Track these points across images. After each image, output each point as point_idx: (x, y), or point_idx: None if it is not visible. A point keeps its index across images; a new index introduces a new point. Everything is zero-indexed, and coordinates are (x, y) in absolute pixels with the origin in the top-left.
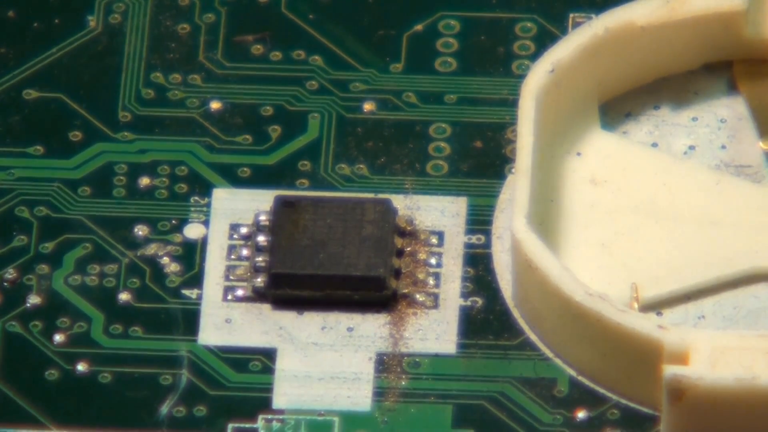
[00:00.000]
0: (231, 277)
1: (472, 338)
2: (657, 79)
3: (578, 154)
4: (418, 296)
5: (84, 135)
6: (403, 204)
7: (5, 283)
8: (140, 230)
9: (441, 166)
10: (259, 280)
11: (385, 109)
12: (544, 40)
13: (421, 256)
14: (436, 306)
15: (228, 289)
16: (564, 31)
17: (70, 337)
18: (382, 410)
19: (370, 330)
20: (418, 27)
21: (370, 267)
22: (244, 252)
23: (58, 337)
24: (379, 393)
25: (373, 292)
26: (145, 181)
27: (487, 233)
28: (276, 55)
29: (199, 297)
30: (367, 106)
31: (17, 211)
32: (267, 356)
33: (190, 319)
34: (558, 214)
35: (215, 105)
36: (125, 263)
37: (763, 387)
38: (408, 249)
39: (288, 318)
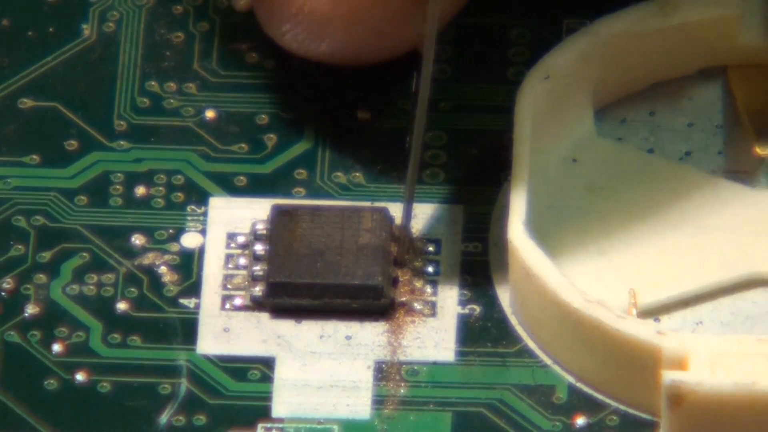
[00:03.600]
0: (229, 286)
1: (471, 346)
2: (652, 85)
3: (574, 160)
4: (416, 304)
5: (80, 144)
6: (400, 212)
7: (3, 293)
8: (137, 239)
9: (437, 174)
10: (257, 289)
11: (380, 116)
12: (539, 47)
13: (419, 264)
14: (434, 314)
15: (226, 298)
16: (559, 38)
17: (69, 347)
18: (381, 418)
19: (369, 338)
20: None
21: (368, 275)
22: (242, 261)
23: (57, 347)
24: (378, 401)
25: (371, 300)
26: (141, 190)
27: (484, 241)
28: (270, 63)
29: (197, 306)
30: (363, 114)
31: (14, 221)
32: (266, 365)
33: (188, 328)
34: (555, 221)
35: (210, 114)
36: (123, 272)
37: (763, 392)
38: (406, 257)
39: (286, 326)
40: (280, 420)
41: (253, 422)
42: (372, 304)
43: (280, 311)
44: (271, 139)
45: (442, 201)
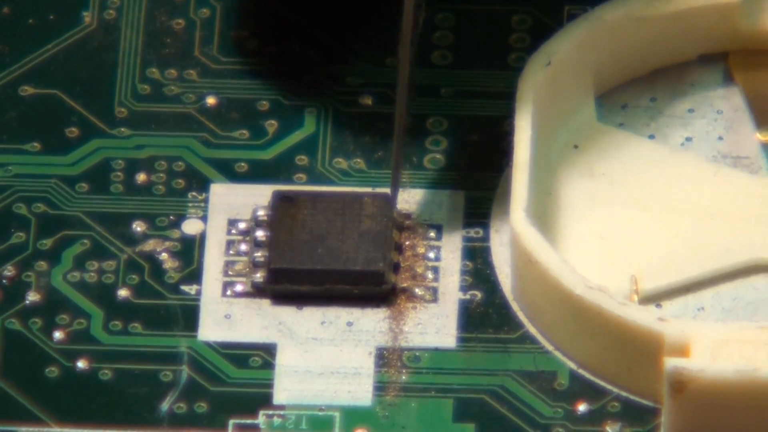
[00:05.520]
0: (230, 273)
1: (472, 332)
2: (653, 70)
3: (575, 146)
4: (417, 290)
5: (81, 131)
6: (401, 198)
7: (4, 281)
8: (138, 226)
9: (438, 160)
10: (258, 276)
11: (381, 102)
12: (540, 33)
13: (420, 249)
14: (435, 300)
15: (227, 285)
16: (560, 24)
17: (70, 334)
18: (382, 405)
19: (370, 324)
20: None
21: (369, 261)
22: (243, 247)
23: (58, 334)
24: (380, 387)
25: (372, 286)
26: (142, 176)
27: (486, 226)
28: (271, 49)
29: (198, 293)
30: (364, 100)
31: (15, 208)
32: (267, 351)
33: (189, 315)
34: (556, 208)
35: (211, 100)
36: (124, 259)
37: (764, 379)
38: (407, 243)
39: (287, 313)
40: (282, 407)
41: (255, 409)
42: (373, 290)
43: (281, 297)
44: (272, 125)
45: (444, 187)
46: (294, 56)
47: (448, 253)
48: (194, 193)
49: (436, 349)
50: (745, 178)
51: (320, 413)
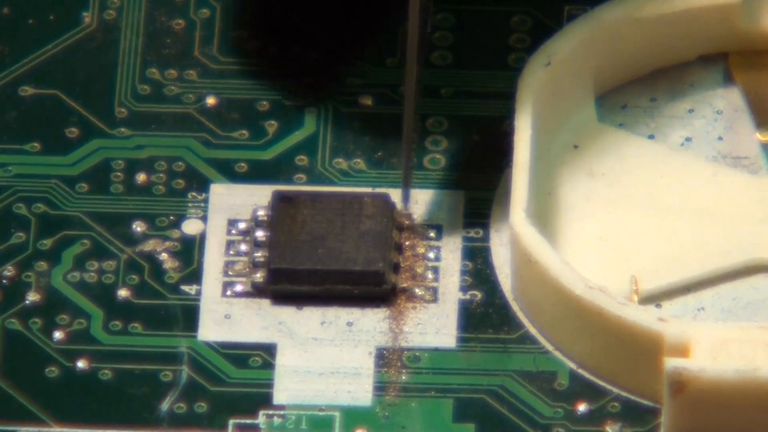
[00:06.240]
0: (230, 273)
1: (472, 332)
2: (653, 71)
3: (575, 146)
4: (417, 290)
5: (81, 131)
6: (400, 198)
7: (4, 281)
8: (138, 226)
9: (438, 160)
10: (258, 276)
11: (381, 103)
12: (540, 33)
13: (420, 250)
14: (435, 300)
15: (227, 285)
16: (559, 24)
17: (70, 334)
18: (382, 405)
19: (370, 324)
20: None
21: (369, 261)
22: (243, 247)
23: (58, 334)
24: (380, 388)
25: (372, 286)
26: (142, 177)
27: (486, 227)
28: (271, 50)
29: (198, 293)
30: (364, 100)
31: (15, 208)
32: (267, 352)
33: (189, 315)
34: (556, 208)
35: (211, 100)
36: (124, 259)
37: (764, 379)
38: (407, 243)
39: (287, 313)
40: (282, 407)
41: (255, 409)
42: (373, 290)
43: (281, 298)
44: (272, 126)
45: (444, 187)
46: (294, 57)
47: (448, 254)
48: (194, 194)
49: (436, 349)
50: (745, 178)
51: (320, 413)
